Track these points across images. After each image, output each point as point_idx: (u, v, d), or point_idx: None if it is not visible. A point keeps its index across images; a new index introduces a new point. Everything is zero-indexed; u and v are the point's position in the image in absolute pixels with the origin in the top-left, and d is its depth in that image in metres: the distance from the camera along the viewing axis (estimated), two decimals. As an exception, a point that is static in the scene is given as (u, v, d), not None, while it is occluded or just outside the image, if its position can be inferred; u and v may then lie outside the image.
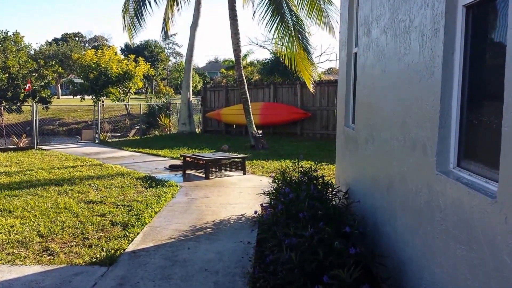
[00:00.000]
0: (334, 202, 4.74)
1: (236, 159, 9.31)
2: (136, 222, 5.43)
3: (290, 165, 8.86)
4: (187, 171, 9.08)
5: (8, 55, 25.28)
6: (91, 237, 4.95)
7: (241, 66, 14.24)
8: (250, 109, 13.87)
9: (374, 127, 3.98)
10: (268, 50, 28.44)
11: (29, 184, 7.80)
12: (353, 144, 4.94)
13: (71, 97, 33.24)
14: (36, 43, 56.71)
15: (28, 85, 20.54)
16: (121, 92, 24.77)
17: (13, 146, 13.87)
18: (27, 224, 5.41)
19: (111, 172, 9.22)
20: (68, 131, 29.12)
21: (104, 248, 4.54)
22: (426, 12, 2.66)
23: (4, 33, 26.99)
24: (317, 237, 3.36)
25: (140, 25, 16.74)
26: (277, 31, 13.12)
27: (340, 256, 3.22)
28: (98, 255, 4.35)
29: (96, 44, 62.49)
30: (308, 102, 16.23)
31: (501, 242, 1.78)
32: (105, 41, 67.65)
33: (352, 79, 5.45)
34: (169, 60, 61.97)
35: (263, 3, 13.28)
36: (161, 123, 20.32)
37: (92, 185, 7.77)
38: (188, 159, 9.25)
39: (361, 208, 4.36)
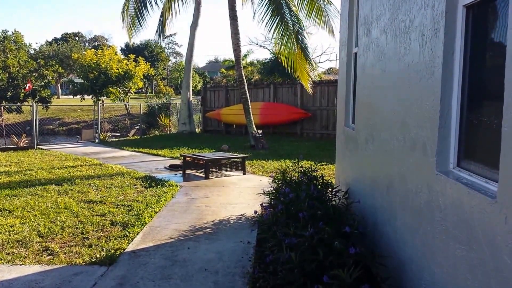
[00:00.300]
0: (334, 202, 4.74)
1: (236, 159, 9.31)
2: (136, 222, 5.43)
3: (290, 165, 8.87)
4: (187, 171, 9.08)
5: (8, 55, 25.27)
6: (91, 237, 4.95)
7: (241, 66, 14.24)
8: (250, 109, 13.87)
9: (374, 127, 3.98)
10: (268, 50, 28.46)
11: (29, 184, 7.80)
12: (353, 144, 4.94)
13: (71, 97, 33.22)
14: (36, 42, 56.58)
15: (28, 84, 20.53)
16: (121, 92, 24.77)
17: (13, 146, 13.87)
18: (27, 224, 5.41)
19: (111, 172, 9.22)
20: (68, 131, 29.11)
21: (104, 248, 4.54)
22: (426, 12, 2.66)
23: (4, 32, 26.99)
24: (317, 237, 3.36)
25: (141, 25, 16.73)
26: (277, 30, 13.12)
27: (340, 256, 3.22)
28: (98, 255, 4.35)
29: (96, 44, 62.49)
30: (308, 102, 16.22)
31: (501, 242, 1.78)
32: (105, 41, 67.64)
33: (352, 79, 5.45)
34: (169, 60, 61.98)
35: (263, 3, 13.29)
36: (161, 123, 20.32)
37: (92, 185, 7.77)
38: (188, 159, 9.25)
39: (361, 208, 4.36)
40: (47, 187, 7.50)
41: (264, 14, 13.22)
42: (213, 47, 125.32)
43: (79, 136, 18.01)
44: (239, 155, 9.46)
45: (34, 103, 16.51)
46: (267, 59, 28.22)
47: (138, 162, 10.75)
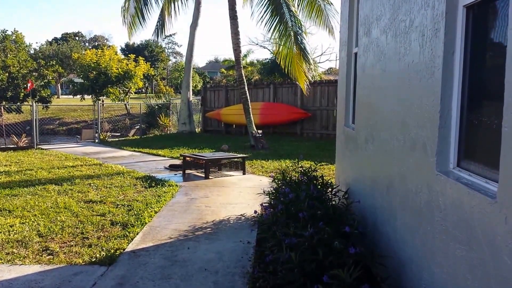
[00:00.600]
0: (334, 202, 4.73)
1: (236, 159, 9.31)
2: (136, 222, 5.43)
3: (290, 165, 8.87)
4: (187, 171, 9.08)
5: (8, 55, 25.28)
6: (91, 236, 4.95)
7: (241, 66, 14.24)
8: (250, 109, 13.87)
9: (374, 127, 3.98)
10: (268, 50, 28.46)
11: (29, 184, 7.80)
12: (353, 144, 4.94)
13: (71, 96, 33.22)
14: (36, 42, 56.87)
15: (29, 84, 20.53)
16: (121, 91, 24.77)
17: (13, 146, 13.87)
18: (26, 223, 5.41)
19: (111, 171, 9.22)
20: (68, 131, 29.08)
21: (104, 248, 4.54)
22: (426, 13, 2.66)
23: (3, 32, 26.98)
24: (317, 237, 3.36)
25: (141, 24, 16.70)
26: (276, 30, 13.11)
27: (339, 256, 3.22)
28: (97, 255, 4.35)
29: (96, 43, 62.50)
30: (308, 102, 16.22)
31: (501, 242, 1.78)
32: (105, 41, 67.66)
33: (352, 79, 5.45)
34: (169, 60, 61.97)
35: (263, 4, 13.28)
36: (161, 122, 20.32)
37: (92, 184, 7.77)
38: (188, 158, 9.25)
39: (361, 208, 4.36)
40: (47, 187, 7.50)
41: (264, 14, 13.22)
42: (213, 47, 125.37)
43: (79, 136, 18.01)
44: (239, 155, 9.46)
45: (34, 103, 16.52)
46: (267, 59, 28.24)
47: (138, 162, 10.76)
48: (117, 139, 17.42)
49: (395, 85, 3.35)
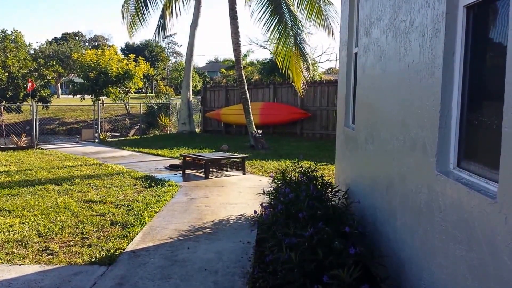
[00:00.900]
0: (333, 202, 4.74)
1: (235, 159, 9.31)
2: (136, 222, 5.43)
3: (290, 165, 8.87)
4: (187, 171, 9.08)
5: (8, 54, 25.27)
6: (91, 236, 4.94)
7: (241, 66, 14.23)
8: (250, 109, 13.87)
9: (374, 127, 3.98)
10: (268, 50, 28.42)
11: (29, 184, 7.79)
12: (353, 144, 4.95)
13: (71, 96, 33.18)
14: (36, 42, 57.01)
15: (30, 84, 20.53)
16: (121, 91, 24.76)
17: (13, 146, 13.86)
18: (26, 223, 5.41)
19: (110, 171, 9.22)
20: (68, 131, 29.09)
21: (104, 248, 4.54)
22: (426, 13, 2.66)
23: (3, 31, 26.97)
24: (317, 237, 3.36)
25: (141, 24, 16.68)
26: (276, 30, 13.10)
27: (339, 256, 3.22)
28: (97, 255, 4.34)
29: (96, 43, 62.46)
30: (308, 102, 16.22)
31: (501, 242, 1.78)
32: (105, 41, 67.60)
33: (352, 79, 5.45)
34: (169, 60, 61.96)
35: (262, 3, 13.27)
36: (160, 122, 20.32)
37: (91, 184, 7.77)
38: (187, 158, 9.25)
39: (360, 208, 4.36)
40: (47, 187, 7.50)
41: (263, 14, 13.20)
42: (213, 47, 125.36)
43: (79, 136, 18.01)
44: (239, 155, 9.46)
45: (34, 102, 16.51)
46: (267, 59, 28.20)
47: (137, 162, 10.75)
48: (117, 139, 17.42)
49: (395, 85, 3.35)
